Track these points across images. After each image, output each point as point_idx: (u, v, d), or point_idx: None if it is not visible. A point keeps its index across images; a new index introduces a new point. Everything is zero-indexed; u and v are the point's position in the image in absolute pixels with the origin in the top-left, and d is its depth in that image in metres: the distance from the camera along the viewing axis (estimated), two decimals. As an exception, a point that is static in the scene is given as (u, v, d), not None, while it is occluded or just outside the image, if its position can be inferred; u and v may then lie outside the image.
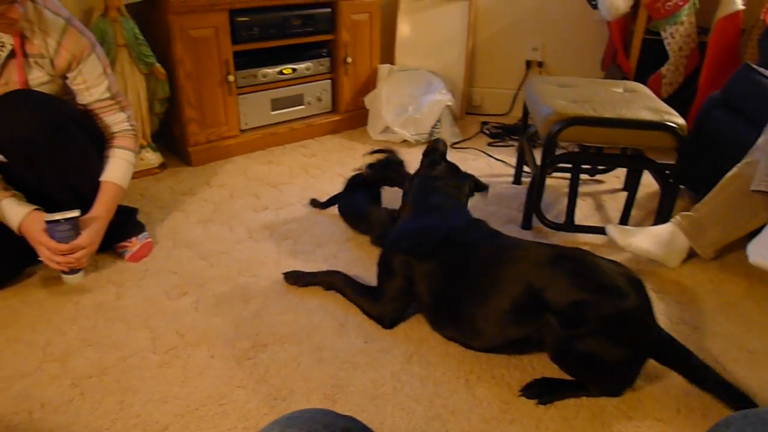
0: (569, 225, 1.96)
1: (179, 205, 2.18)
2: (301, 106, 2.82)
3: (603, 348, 1.25)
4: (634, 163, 2.07)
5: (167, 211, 2.13)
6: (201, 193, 2.29)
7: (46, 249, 1.54)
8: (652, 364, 1.34)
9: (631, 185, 2.07)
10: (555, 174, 2.44)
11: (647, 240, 1.75)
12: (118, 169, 1.71)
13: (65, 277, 1.64)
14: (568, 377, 1.35)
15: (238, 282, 1.72)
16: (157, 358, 1.42)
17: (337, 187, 2.36)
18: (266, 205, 2.20)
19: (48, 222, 1.54)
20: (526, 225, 2.03)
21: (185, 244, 1.92)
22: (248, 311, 1.59)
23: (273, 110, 2.73)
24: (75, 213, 1.57)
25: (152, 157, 2.41)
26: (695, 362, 1.32)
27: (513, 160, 2.51)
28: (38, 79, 1.57)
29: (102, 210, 1.66)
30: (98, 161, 1.69)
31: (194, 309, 1.60)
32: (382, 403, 1.30)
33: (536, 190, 1.91)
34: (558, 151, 2.01)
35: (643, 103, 1.87)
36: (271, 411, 1.28)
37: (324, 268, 1.79)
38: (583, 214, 2.16)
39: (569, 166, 2.03)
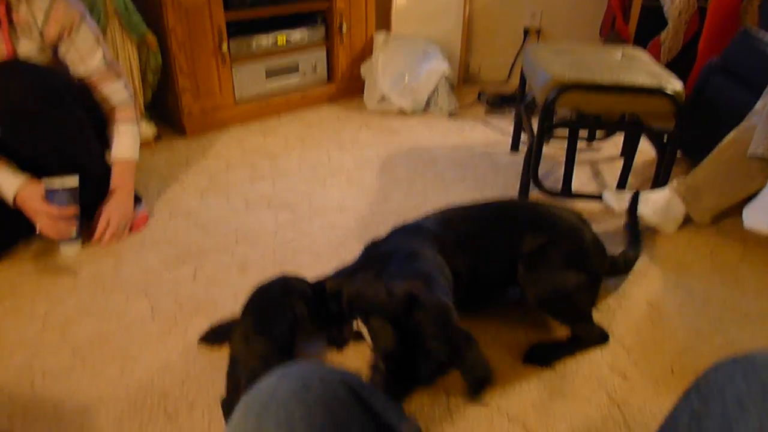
0: (566, 192, 1.96)
1: (175, 176, 2.17)
2: (296, 76, 2.79)
3: (571, 280, 1.34)
4: (632, 128, 2.06)
5: (163, 183, 2.12)
6: (197, 164, 2.28)
7: (47, 216, 1.55)
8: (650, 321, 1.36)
9: (629, 152, 2.07)
10: (552, 142, 2.43)
11: (644, 206, 1.75)
12: (126, 144, 1.76)
13: (63, 247, 1.64)
14: (560, 337, 1.39)
15: (236, 252, 1.73)
16: (156, 327, 1.43)
17: (333, 157, 2.35)
18: (263, 175, 2.19)
19: (47, 190, 1.54)
20: (524, 192, 2.03)
21: (182, 215, 1.91)
22: (246, 281, 1.59)
23: (268, 80, 2.70)
24: (73, 181, 1.57)
25: (147, 129, 2.39)
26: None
27: (510, 129, 2.50)
28: (27, 49, 1.55)
29: (120, 183, 1.73)
30: (93, 132, 1.69)
31: (192, 279, 1.60)
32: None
33: (533, 157, 1.90)
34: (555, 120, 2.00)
35: (642, 68, 1.86)
36: (270, 377, 1.29)
37: (322, 237, 1.80)
38: (581, 181, 2.16)
39: (566, 133, 2.02)
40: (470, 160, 2.34)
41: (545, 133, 1.86)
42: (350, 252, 1.73)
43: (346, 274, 1.35)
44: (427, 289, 1.17)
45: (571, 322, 1.39)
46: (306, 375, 0.57)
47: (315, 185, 2.13)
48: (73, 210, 1.60)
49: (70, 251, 1.65)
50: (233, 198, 2.02)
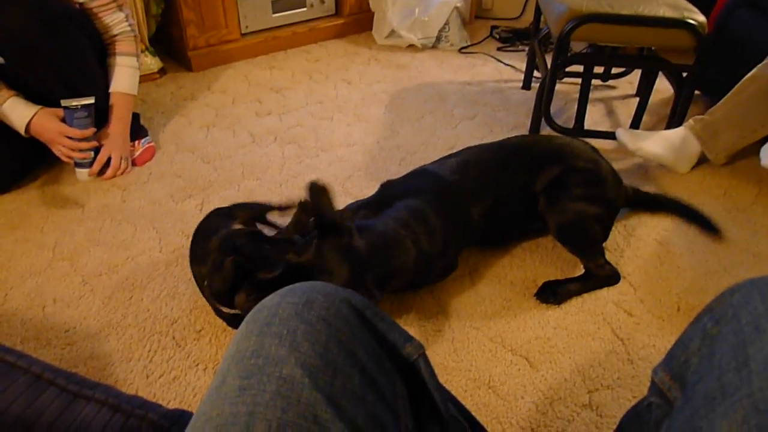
0: (579, 130, 1.91)
1: (181, 111, 2.14)
2: (303, 9, 2.70)
3: (590, 208, 1.34)
4: (650, 63, 1.99)
5: (169, 116, 2.09)
6: (202, 98, 2.24)
7: (67, 138, 1.54)
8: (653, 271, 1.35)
9: (645, 90, 2.00)
10: (566, 79, 2.36)
11: (658, 144, 1.71)
12: (124, 78, 1.72)
13: (79, 171, 1.65)
14: (566, 276, 1.39)
15: (242, 185, 1.72)
16: (164, 257, 1.43)
17: (341, 92, 2.31)
18: (269, 110, 2.15)
19: (66, 108, 1.54)
20: (535, 130, 1.98)
21: (188, 149, 1.89)
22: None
23: (274, 13, 2.61)
24: (90, 99, 1.56)
25: (151, 62, 2.34)
26: (662, 198, 1.61)
27: (523, 66, 2.42)
28: None
29: (117, 117, 1.71)
30: (95, 60, 1.65)
31: (199, 211, 1.60)
32: (385, 298, 1.32)
33: (546, 94, 1.85)
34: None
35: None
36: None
37: (329, 171, 1.78)
38: (594, 120, 2.11)
39: (581, 70, 1.95)
40: (481, 96, 2.28)
41: (559, 68, 1.80)
42: (357, 186, 1.71)
43: (359, 207, 1.35)
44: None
45: (585, 253, 1.38)
46: (309, 293, 0.57)
47: (322, 120, 2.09)
48: (91, 130, 1.60)
49: (85, 174, 1.66)
50: (239, 132, 2.00)
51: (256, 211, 1.41)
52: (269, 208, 1.42)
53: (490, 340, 1.24)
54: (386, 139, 1.96)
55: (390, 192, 1.36)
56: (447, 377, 1.16)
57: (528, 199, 1.38)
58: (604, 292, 1.37)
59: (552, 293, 1.33)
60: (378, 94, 2.29)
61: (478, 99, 2.26)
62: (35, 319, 1.26)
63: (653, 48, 1.95)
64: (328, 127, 2.05)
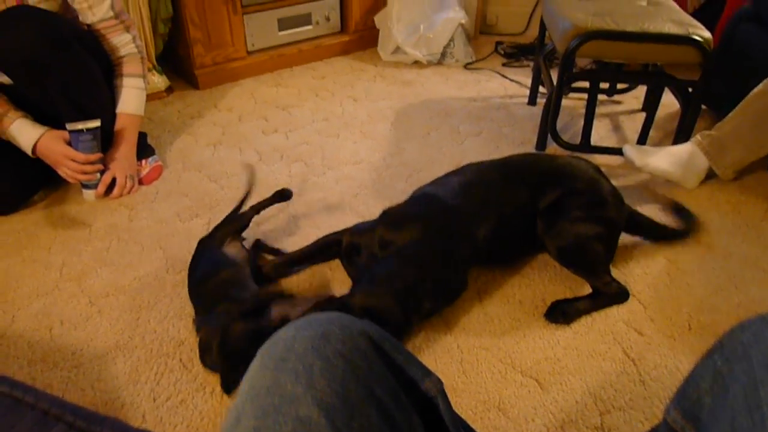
0: (585, 146, 1.91)
1: (188, 129, 2.15)
2: (309, 26, 2.72)
3: (590, 230, 1.33)
4: (656, 79, 1.99)
5: (176, 135, 2.10)
6: (209, 116, 2.25)
7: (72, 161, 1.55)
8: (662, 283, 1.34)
9: (651, 105, 2.00)
10: (571, 94, 2.36)
11: (665, 160, 1.71)
12: (131, 99, 1.73)
13: (86, 192, 1.66)
14: (575, 295, 1.38)
15: (248, 205, 1.71)
16: (170, 277, 1.43)
17: (347, 109, 2.31)
18: (276, 127, 2.16)
19: (71, 132, 1.54)
20: (541, 146, 1.98)
21: (195, 167, 1.90)
22: (259, 233, 1.58)
23: (280, 30, 2.63)
24: (96, 122, 1.56)
25: (158, 80, 2.36)
26: (657, 224, 1.57)
27: (528, 81, 2.43)
28: None
29: (123, 139, 1.71)
30: (103, 80, 1.66)
31: (206, 230, 1.59)
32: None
33: (552, 110, 1.85)
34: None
35: (667, 16, 1.77)
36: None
37: (335, 189, 1.78)
38: (600, 135, 2.10)
39: (586, 85, 1.95)
40: (486, 112, 2.29)
41: (565, 84, 1.80)
42: (364, 204, 1.71)
43: (367, 231, 1.35)
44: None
45: (589, 274, 1.37)
46: (326, 325, 0.55)
47: (328, 137, 2.10)
48: (97, 155, 1.60)
49: (92, 195, 1.66)
50: (246, 150, 2.00)
51: (237, 224, 1.45)
52: (242, 213, 1.48)
53: (499, 361, 1.22)
54: (392, 156, 1.97)
55: (390, 222, 1.35)
56: (456, 399, 1.15)
57: (532, 217, 1.38)
58: (614, 311, 1.35)
59: (561, 313, 1.32)
60: (384, 110, 2.30)
61: (483, 115, 2.26)
62: (42, 341, 1.26)
63: (658, 64, 1.95)
64: (335, 144, 2.05)
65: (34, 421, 0.53)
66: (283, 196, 1.53)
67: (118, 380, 1.17)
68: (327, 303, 1.17)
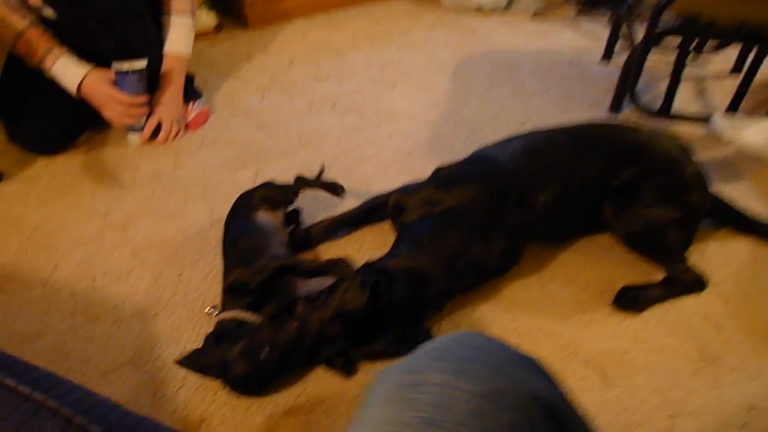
0: (665, 111, 1.73)
1: (236, 72, 2.05)
2: (367, -36, 2.54)
3: (665, 216, 1.21)
4: (760, 38, 1.76)
5: (224, 78, 2.01)
6: (259, 58, 2.14)
7: (117, 103, 1.48)
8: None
9: (749, 68, 1.78)
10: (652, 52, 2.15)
11: (762, 134, 1.52)
12: (179, 38, 1.65)
13: (131, 135, 1.61)
14: (646, 279, 1.26)
15: (297, 156, 1.63)
16: (214, 233, 1.37)
17: (404, 58, 2.17)
18: (328, 74, 2.04)
19: (117, 72, 1.48)
20: (615, 108, 1.81)
21: (243, 114, 1.81)
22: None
23: (336, -33, 2.47)
24: (142, 63, 1.49)
25: (207, 18, 2.25)
26: (748, 217, 1.35)
27: (604, 35, 2.22)
28: None
29: (170, 81, 1.63)
30: (150, 17, 1.58)
31: (252, 182, 1.52)
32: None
33: (635, 69, 1.67)
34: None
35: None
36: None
37: (389, 145, 1.67)
38: (682, 100, 1.91)
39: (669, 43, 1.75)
40: (555, 68, 2.10)
41: (653, 40, 1.62)
42: (419, 163, 1.60)
43: (412, 192, 1.26)
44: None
45: (663, 260, 1.25)
46: (492, 378, 0.43)
47: (383, 88, 1.97)
48: (142, 97, 1.54)
49: (137, 139, 1.61)
50: (296, 97, 1.90)
51: (279, 194, 1.31)
52: (289, 186, 1.35)
53: (560, 348, 1.13)
54: (451, 112, 1.83)
55: (440, 181, 1.25)
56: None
57: (600, 195, 1.25)
58: (690, 302, 1.23)
59: (632, 300, 1.21)
60: (443, 61, 2.14)
61: (552, 71, 2.08)
62: (84, 292, 1.23)
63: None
64: (390, 95, 1.92)
65: (26, 415, 0.46)
66: (334, 189, 1.37)
67: (159, 339, 1.13)
68: (364, 271, 1.08)
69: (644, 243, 1.24)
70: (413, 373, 0.45)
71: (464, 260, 1.13)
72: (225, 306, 1.10)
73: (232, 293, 1.09)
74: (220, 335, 1.02)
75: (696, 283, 1.24)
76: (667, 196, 1.21)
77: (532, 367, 0.48)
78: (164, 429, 0.55)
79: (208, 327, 1.15)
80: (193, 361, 1.01)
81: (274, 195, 1.30)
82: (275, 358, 0.98)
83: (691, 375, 1.09)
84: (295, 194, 1.34)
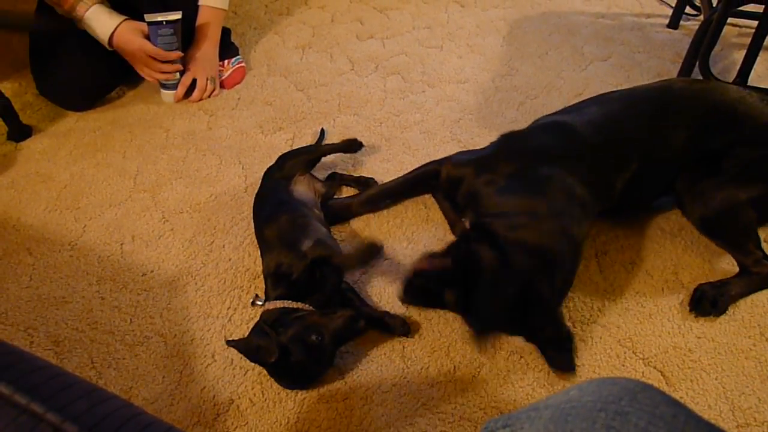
0: (742, 84, 1.57)
1: (275, 27, 1.95)
2: None
3: (749, 193, 1.08)
4: None
5: (262, 33, 1.91)
6: (299, 14, 2.03)
7: (150, 58, 1.42)
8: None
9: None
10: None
11: None
12: None
13: (164, 92, 1.54)
14: (713, 268, 1.15)
15: (337, 120, 1.53)
16: (249, 198, 1.29)
17: (453, 17, 2.03)
18: (371, 32, 1.92)
19: (150, 23, 1.40)
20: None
21: (281, 72, 1.72)
22: (348, 157, 1.40)
23: None
24: (176, 15, 1.41)
25: (247, -32, 2.14)
26: None
27: (671, -3, 2.04)
28: None
29: (205, 37, 1.54)
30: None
31: (289, 146, 1.44)
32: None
33: (710, 36, 1.51)
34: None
35: None
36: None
37: (435, 112, 1.56)
38: (758, 74, 1.73)
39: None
40: (617, 33, 1.94)
41: (733, 5, 1.45)
42: (467, 131, 1.49)
43: (471, 162, 1.14)
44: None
45: (736, 244, 1.13)
46: None
47: (430, 49, 1.84)
48: (176, 53, 1.46)
49: (171, 96, 1.54)
50: (338, 57, 1.79)
51: (307, 156, 1.25)
52: (317, 152, 1.29)
53: (618, 343, 1.03)
54: (503, 78, 1.70)
55: (517, 150, 1.13)
56: (564, 383, 0.98)
57: (678, 166, 1.13)
58: (763, 298, 1.11)
59: (711, 303, 1.07)
60: (495, 21, 2.00)
61: (613, 36, 1.92)
62: (113, 257, 1.17)
63: None
64: (437, 57, 1.80)
65: (24, 431, 0.39)
66: (351, 146, 1.33)
67: (188, 311, 1.07)
68: (461, 244, 0.98)
69: (719, 226, 1.12)
70: None
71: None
72: (268, 294, 1.02)
73: (275, 280, 1.01)
74: (269, 324, 0.94)
75: None
76: (753, 169, 1.09)
77: None
78: None
79: (240, 302, 1.08)
80: (244, 344, 0.93)
81: (301, 156, 1.23)
82: (329, 345, 0.91)
83: (763, 381, 0.99)
84: (322, 153, 1.29)
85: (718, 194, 1.09)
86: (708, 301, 1.07)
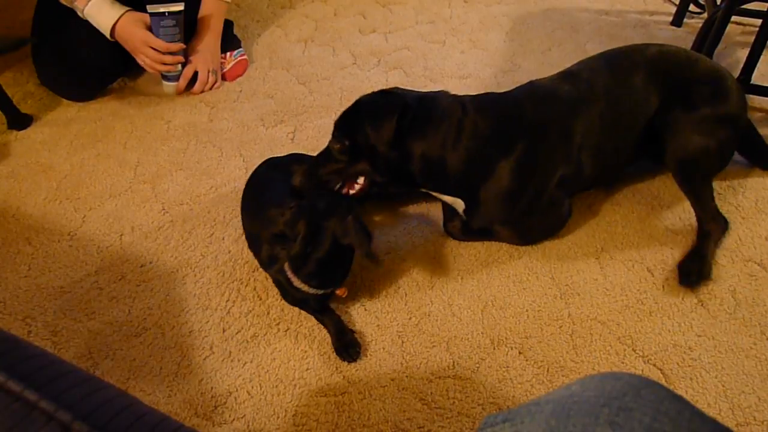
0: (745, 83, 1.56)
1: (277, 20, 1.94)
2: None
3: (711, 139, 1.15)
4: None
5: (264, 26, 1.90)
6: (301, 7, 2.02)
7: (152, 49, 1.41)
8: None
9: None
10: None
11: None
12: None
13: (165, 84, 1.53)
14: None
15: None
16: (249, 191, 1.29)
17: (456, 12, 2.02)
18: (374, 26, 1.91)
19: (152, 14, 1.39)
20: (686, 78, 1.65)
21: (283, 65, 1.71)
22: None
23: None
24: (179, 6, 1.40)
25: (250, -39, 2.13)
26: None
27: (675, -5, 2.03)
28: None
29: (207, 29, 1.54)
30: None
31: (290, 140, 1.44)
32: (495, 271, 1.13)
33: (714, 34, 1.51)
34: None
35: None
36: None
37: (436, 108, 1.55)
38: (761, 73, 1.73)
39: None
40: (621, 30, 1.93)
41: (738, 3, 1.45)
42: (468, 130, 1.48)
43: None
44: None
45: (699, 192, 1.18)
46: None
47: (433, 44, 1.83)
48: (178, 45, 1.46)
49: (172, 88, 1.53)
50: (340, 51, 1.78)
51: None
52: None
53: (617, 341, 1.03)
54: (505, 74, 1.70)
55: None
56: (562, 379, 0.98)
57: (646, 123, 1.19)
58: (764, 297, 1.11)
59: (697, 272, 1.12)
60: (498, 17, 1.99)
61: (616, 33, 1.91)
62: (112, 248, 1.17)
63: None
64: (439, 52, 1.79)
65: (17, 417, 0.39)
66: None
67: (186, 303, 1.07)
68: None
69: (690, 171, 1.18)
70: None
71: None
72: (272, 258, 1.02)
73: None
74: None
75: (724, 226, 1.19)
76: (714, 109, 1.15)
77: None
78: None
79: (239, 295, 1.08)
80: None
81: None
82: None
83: (764, 380, 0.98)
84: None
85: (695, 134, 1.14)
86: (694, 272, 1.11)
